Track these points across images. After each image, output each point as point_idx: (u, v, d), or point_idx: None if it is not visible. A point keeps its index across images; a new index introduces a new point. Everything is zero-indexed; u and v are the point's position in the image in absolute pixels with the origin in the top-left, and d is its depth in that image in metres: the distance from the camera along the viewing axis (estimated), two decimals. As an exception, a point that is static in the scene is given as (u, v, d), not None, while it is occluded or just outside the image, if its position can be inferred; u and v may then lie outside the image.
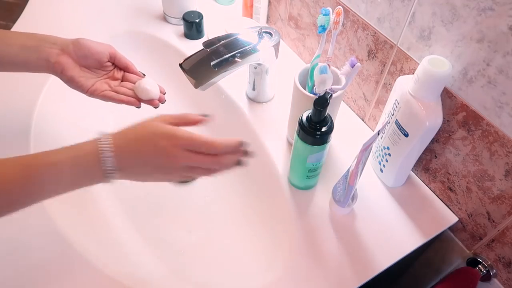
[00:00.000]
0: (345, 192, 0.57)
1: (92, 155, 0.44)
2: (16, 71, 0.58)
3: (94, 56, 0.59)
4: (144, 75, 0.65)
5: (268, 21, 0.93)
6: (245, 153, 0.50)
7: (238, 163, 0.49)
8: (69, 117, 0.74)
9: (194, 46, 0.87)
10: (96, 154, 0.44)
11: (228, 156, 0.48)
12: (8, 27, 0.82)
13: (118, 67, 0.64)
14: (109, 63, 0.62)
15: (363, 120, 0.75)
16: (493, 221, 0.57)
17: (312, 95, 0.60)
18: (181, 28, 0.91)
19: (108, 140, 0.44)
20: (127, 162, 0.45)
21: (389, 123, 0.59)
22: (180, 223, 0.69)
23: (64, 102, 0.74)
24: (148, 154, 0.45)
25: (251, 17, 0.91)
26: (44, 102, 0.72)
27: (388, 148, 0.61)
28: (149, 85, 0.62)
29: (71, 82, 0.59)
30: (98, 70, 0.61)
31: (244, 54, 0.62)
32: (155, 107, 0.63)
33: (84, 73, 0.59)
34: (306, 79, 0.64)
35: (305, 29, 0.80)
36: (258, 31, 0.66)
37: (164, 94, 0.64)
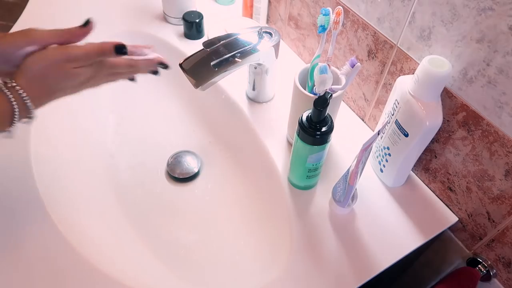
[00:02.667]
0: (345, 192, 0.57)
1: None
2: None
3: (17, 60, 0.48)
4: (88, 23, 0.52)
5: (268, 21, 0.93)
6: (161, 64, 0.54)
7: (154, 72, 0.55)
8: (70, 117, 0.74)
9: (194, 46, 0.87)
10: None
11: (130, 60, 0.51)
12: (8, 27, 0.82)
13: None
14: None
15: (363, 120, 0.75)
16: (493, 221, 0.57)
17: (312, 95, 0.60)
18: (181, 28, 0.91)
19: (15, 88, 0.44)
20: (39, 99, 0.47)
21: (389, 123, 0.59)
22: (180, 223, 0.69)
23: (65, 101, 0.74)
24: (53, 83, 0.47)
25: (251, 17, 0.91)
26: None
27: (388, 148, 0.61)
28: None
29: None
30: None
31: (244, 54, 0.62)
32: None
33: None
34: (306, 79, 0.64)
35: (305, 29, 0.80)
36: (258, 31, 0.66)
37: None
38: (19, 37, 0.47)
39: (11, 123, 0.45)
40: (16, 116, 0.45)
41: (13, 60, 0.46)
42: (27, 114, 0.46)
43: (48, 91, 0.47)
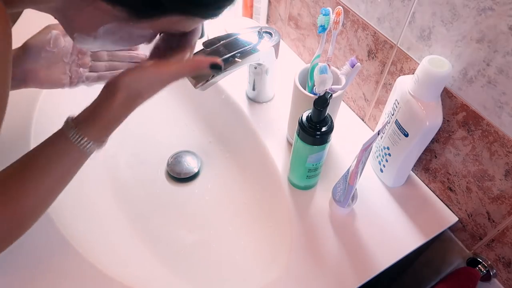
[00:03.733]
0: (345, 192, 0.57)
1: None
2: None
3: (43, 51, 0.53)
4: None
5: (268, 21, 0.93)
6: None
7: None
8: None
9: (194, 46, 0.87)
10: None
11: None
12: (8, 27, 0.82)
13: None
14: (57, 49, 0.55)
15: (363, 120, 0.75)
16: (493, 221, 0.57)
17: (312, 95, 0.60)
18: (181, 28, 0.90)
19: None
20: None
21: (389, 123, 0.59)
22: (180, 223, 0.69)
23: (65, 101, 0.74)
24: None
25: (251, 17, 0.91)
26: (45, 99, 0.72)
27: (388, 148, 0.61)
28: None
29: (43, 85, 0.57)
30: (58, 61, 0.56)
31: (244, 54, 0.62)
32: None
33: (49, 70, 0.55)
34: (306, 79, 0.64)
35: (305, 29, 0.80)
36: (258, 31, 0.66)
37: None
38: (41, 31, 0.53)
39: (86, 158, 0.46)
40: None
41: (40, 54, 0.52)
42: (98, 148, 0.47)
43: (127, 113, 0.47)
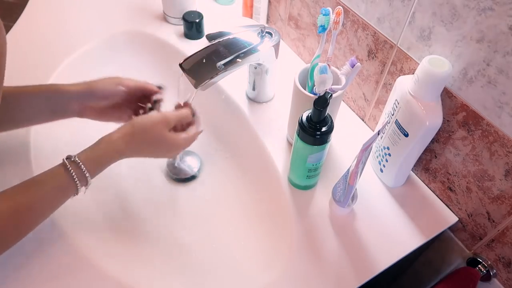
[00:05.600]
0: (345, 192, 0.57)
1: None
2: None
3: (110, 97, 0.61)
4: (160, 87, 0.65)
5: (268, 21, 0.93)
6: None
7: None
8: (70, 121, 0.74)
9: (194, 46, 0.87)
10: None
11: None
12: (8, 27, 0.82)
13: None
14: (125, 93, 0.62)
15: (363, 120, 0.75)
16: (493, 221, 0.57)
17: (312, 95, 0.60)
18: (181, 28, 0.91)
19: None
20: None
21: (389, 123, 0.59)
22: (180, 223, 0.69)
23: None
24: (155, 152, 0.58)
25: (251, 17, 0.91)
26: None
27: (388, 148, 0.61)
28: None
29: (100, 120, 0.63)
30: (121, 106, 0.63)
31: (244, 54, 0.62)
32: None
33: (109, 111, 0.62)
34: (306, 79, 0.64)
35: (305, 29, 0.80)
36: (258, 31, 0.66)
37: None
38: (110, 80, 0.60)
39: (74, 194, 0.52)
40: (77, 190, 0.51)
41: (105, 98, 0.59)
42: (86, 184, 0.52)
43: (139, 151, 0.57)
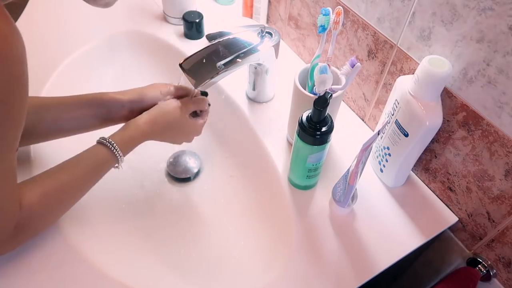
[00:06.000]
0: (345, 192, 0.57)
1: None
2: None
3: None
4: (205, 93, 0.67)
5: (268, 21, 0.93)
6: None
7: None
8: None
9: (194, 46, 0.87)
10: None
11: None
12: (8, 27, 0.82)
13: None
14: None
15: (363, 120, 0.75)
16: (493, 221, 0.57)
17: (312, 95, 0.60)
18: (181, 28, 0.91)
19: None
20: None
21: (389, 123, 0.59)
22: (180, 223, 0.69)
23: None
24: (174, 136, 0.64)
25: (251, 17, 0.91)
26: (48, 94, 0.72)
27: (388, 148, 0.61)
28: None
29: None
30: None
31: (245, 54, 0.62)
32: None
33: None
34: (306, 79, 0.64)
35: (305, 29, 0.80)
36: (258, 31, 0.66)
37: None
38: (158, 87, 0.64)
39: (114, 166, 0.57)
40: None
41: (154, 104, 0.62)
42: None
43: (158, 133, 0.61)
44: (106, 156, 0.55)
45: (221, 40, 0.63)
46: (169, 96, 0.63)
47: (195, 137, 0.67)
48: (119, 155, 0.55)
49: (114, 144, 0.55)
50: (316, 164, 0.59)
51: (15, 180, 0.45)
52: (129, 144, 0.57)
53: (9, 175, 0.43)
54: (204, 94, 0.66)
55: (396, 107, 0.57)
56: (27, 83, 0.41)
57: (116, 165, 0.57)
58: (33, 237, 0.53)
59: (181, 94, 0.64)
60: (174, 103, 0.61)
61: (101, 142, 0.55)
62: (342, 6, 0.58)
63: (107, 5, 0.51)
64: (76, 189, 0.54)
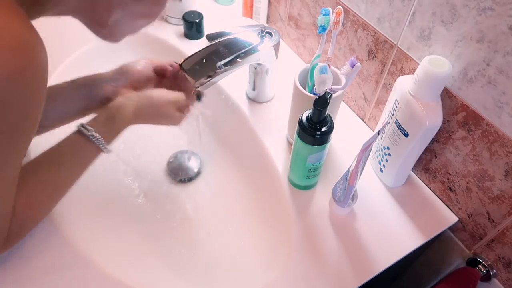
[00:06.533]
0: (345, 192, 0.57)
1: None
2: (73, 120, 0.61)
3: (143, 77, 0.63)
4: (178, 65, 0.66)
5: (268, 21, 0.93)
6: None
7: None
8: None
9: (194, 46, 0.87)
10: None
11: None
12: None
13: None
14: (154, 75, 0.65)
15: (363, 120, 0.75)
16: (493, 221, 0.57)
17: (312, 95, 0.60)
18: (181, 28, 0.91)
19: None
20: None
21: (389, 123, 0.59)
22: (180, 223, 0.69)
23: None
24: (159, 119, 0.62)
25: (251, 17, 0.91)
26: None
27: (388, 148, 0.61)
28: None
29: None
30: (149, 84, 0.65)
31: (244, 54, 0.62)
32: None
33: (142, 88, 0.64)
34: (306, 79, 0.64)
35: (305, 29, 0.80)
36: (258, 31, 0.66)
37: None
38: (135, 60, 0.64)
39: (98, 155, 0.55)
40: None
41: (136, 74, 0.62)
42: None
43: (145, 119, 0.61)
44: (90, 148, 0.53)
45: (221, 40, 0.63)
46: (146, 61, 0.64)
47: (194, 137, 0.67)
48: (103, 147, 0.53)
49: (96, 135, 0.52)
50: (316, 164, 0.59)
51: (15, 189, 0.44)
52: (113, 133, 0.55)
53: (12, 185, 0.43)
54: (199, 99, 0.65)
55: (396, 107, 0.57)
56: (45, 91, 0.40)
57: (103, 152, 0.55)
58: (24, 237, 0.52)
59: (157, 66, 0.65)
60: (164, 98, 0.60)
61: (81, 131, 0.52)
62: (342, 6, 0.58)
63: (115, 41, 0.53)
64: (63, 186, 0.52)
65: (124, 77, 0.62)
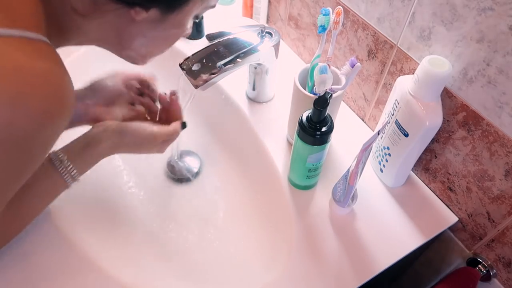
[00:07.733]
0: (345, 192, 0.57)
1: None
2: None
3: (114, 92, 0.62)
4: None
5: (268, 21, 0.93)
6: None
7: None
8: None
9: (194, 46, 0.87)
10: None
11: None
12: (8, 27, 0.82)
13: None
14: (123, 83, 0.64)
15: (363, 120, 0.75)
16: (493, 221, 0.57)
17: (312, 95, 0.60)
18: (181, 28, 0.90)
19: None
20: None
21: (389, 123, 0.59)
22: (180, 223, 0.69)
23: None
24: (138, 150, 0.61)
25: (251, 17, 0.91)
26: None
27: (388, 148, 0.61)
28: None
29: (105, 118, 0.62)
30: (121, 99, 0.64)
31: (244, 54, 0.62)
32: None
33: (116, 108, 0.62)
34: (306, 79, 0.64)
35: (305, 29, 0.80)
36: (258, 31, 0.66)
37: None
38: (106, 76, 0.62)
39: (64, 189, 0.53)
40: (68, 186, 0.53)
41: (105, 90, 0.61)
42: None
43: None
44: (61, 183, 0.52)
45: (221, 40, 0.63)
46: (118, 76, 0.62)
47: (194, 137, 0.67)
48: (70, 181, 0.52)
49: (67, 165, 0.51)
50: (316, 164, 0.59)
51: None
52: (85, 167, 0.54)
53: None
54: (184, 127, 0.64)
55: (396, 107, 0.57)
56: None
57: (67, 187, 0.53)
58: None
59: (129, 77, 0.63)
60: (142, 135, 0.59)
61: (54, 165, 0.51)
62: (342, 6, 0.58)
63: (143, 64, 0.53)
64: (30, 215, 0.52)
65: (95, 95, 0.61)
